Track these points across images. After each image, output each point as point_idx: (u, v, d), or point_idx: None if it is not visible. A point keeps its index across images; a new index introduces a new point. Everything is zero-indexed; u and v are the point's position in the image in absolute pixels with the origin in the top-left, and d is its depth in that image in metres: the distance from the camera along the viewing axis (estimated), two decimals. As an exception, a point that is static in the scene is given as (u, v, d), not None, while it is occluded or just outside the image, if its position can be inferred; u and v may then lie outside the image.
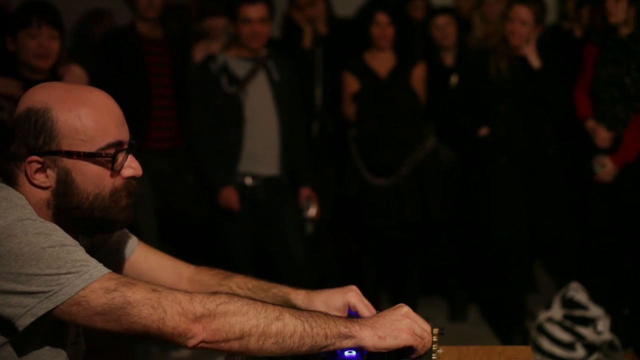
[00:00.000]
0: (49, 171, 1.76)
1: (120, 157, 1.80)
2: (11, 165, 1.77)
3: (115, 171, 1.79)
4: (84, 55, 5.29)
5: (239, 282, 2.13)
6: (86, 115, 1.75)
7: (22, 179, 1.77)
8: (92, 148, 1.76)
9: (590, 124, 4.66)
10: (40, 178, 1.76)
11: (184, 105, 4.90)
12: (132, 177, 1.84)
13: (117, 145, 1.79)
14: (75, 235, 1.76)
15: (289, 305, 2.05)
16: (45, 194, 1.77)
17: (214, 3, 5.41)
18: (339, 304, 2.03)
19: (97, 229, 1.85)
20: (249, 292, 2.10)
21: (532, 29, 4.70)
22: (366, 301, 2.02)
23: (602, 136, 4.59)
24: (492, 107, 4.86)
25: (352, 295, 2.03)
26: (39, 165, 1.75)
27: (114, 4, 6.05)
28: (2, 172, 1.80)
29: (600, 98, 4.59)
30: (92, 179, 1.77)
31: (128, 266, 2.12)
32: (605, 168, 4.57)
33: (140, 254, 2.13)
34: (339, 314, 1.94)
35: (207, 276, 2.16)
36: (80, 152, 1.75)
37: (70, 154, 1.75)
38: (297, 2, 5.56)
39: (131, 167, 1.83)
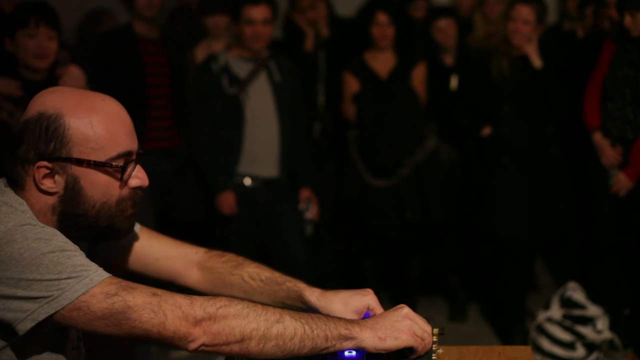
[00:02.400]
0: (57, 177, 1.75)
1: (130, 167, 1.80)
2: (18, 168, 1.76)
3: (123, 181, 1.79)
4: (86, 55, 5.29)
5: (252, 273, 2.09)
6: (98, 124, 1.75)
7: (29, 183, 1.77)
8: (102, 157, 1.75)
9: (598, 138, 4.62)
10: (47, 183, 1.75)
11: (181, 105, 4.89)
12: (139, 187, 1.84)
13: (127, 156, 1.79)
14: (75, 240, 1.75)
15: (302, 301, 2.04)
16: (52, 200, 1.77)
17: (216, 1, 5.40)
18: (359, 305, 1.99)
19: (101, 237, 1.85)
20: (262, 283, 2.07)
21: (534, 28, 4.70)
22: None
23: (609, 155, 4.57)
24: (495, 107, 4.86)
25: (371, 298, 2.00)
26: (48, 171, 1.75)
27: (114, 3, 6.05)
28: (7, 175, 1.79)
29: (611, 97, 4.57)
30: (100, 187, 1.77)
31: (132, 255, 2.10)
32: (621, 183, 4.55)
33: (144, 243, 2.11)
34: (356, 316, 1.94)
35: (218, 263, 2.12)
36: (90, 160, 1.75)
37: (80, 162, 1.74)
38: (297, 5, 5.54)
39: (138, 177, 1.83)
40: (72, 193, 1.76)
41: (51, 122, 1.73)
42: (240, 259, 2.14)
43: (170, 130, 4.95)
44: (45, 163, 1.74)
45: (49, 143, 1.73)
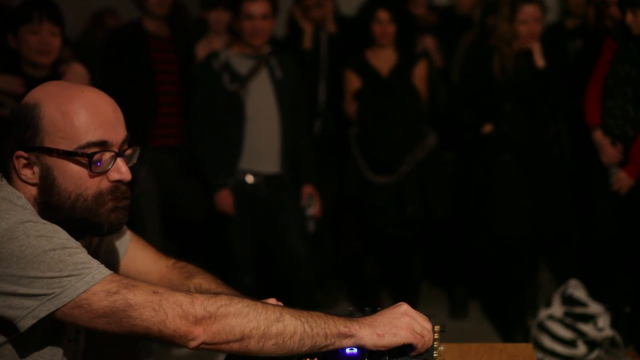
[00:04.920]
0: (35, 167, 1.76)
1: (104, 158, 1.77)
2: (7, 160, 1.78)
3: (95, 173, 1.77)
4: (90, 53, 5.29)
5: (197, 283, 2.14)
6: (70, 113, 1.74)
7: (13, 174, 1.78)
8: (71, 146, 1.74)
9: (598, 136, 4.62)
10: (27, 174, 1.76)
11: (189, 102, 4.90)
12: (120, 181, 1.81)
13: (100, 145, 1.76)
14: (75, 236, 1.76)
15: None
16: (34, 190, 1.77)
17: None
18: None
19: (84, 231, 1.82)
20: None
21: (543, 24, 4.75)
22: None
23: (609, 153, 4.57)
24: (496, 105, 4.86)
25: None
26: (25, 161, 1.76)
27: (117, 2, 6.05)
28: (3, 168, 1.80)
29: (612, 94, 4.57)
30: (72, 178, 1.76)
31: (123, 265, 2.13)
32: (621, 181, 4.55)
33: (130, 256, 2.14)
34: None
35: (175, 274, 2.17)
36: (59, 149, 1.74)
37: (50, 151, 1.74)
38: (303, 2, 5.54)
39: (119, 170, 1.80)
40: (46, 183, 1.76)
41: (29, 112, 1.74)
42: (194, 270, 2.19)
43: (178, 127, 4.95)
44: (22, 153, 1.75)
45: (26, 132, 1.74)
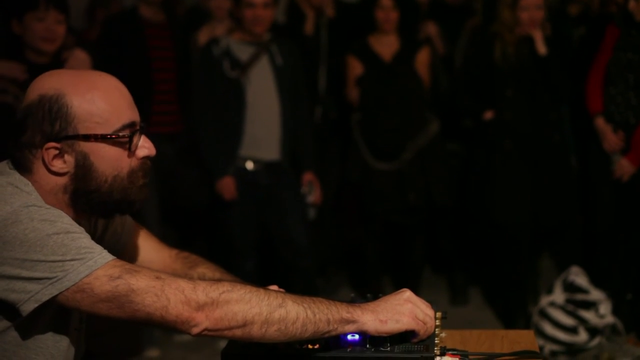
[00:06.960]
0: (66, 156, 1.76)
1: (135, 137, 1.81)
2: (25, 153, 1.77)
3: (131, 152, 1.80)
4: (93, 38, 5.29)
5: (200, 273, 2.15)
6: (100, 99, 1.76)
7: (38, 166, 1.77)
8: (108, 130, 1.76)
9: (600, 123, 4.62)
10: (58, 164, 1.76)
11: (185, 89, 4.89)
12: (147, 157, 1.85)
13: (131, 126, 1.80)
14: (80, 222, 1.76)
15: None
16: (62, 180, 1.78)
17: None
18: None
19: (115, 211, 1.87)
20: None
21: (545, 11, 4.74)
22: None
23: (611, 140, 4.57)
24: (498, 91, 4.86)
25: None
26: (57, 152, 1.75)
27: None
28: (13, 160, 1.80)
29: (614, 82, 4.57)
30: (110, 161, 1.78)
31: (128, 253, 2.13)
32: (623, 168, 4.55)
33: (134, 245, 2.15)
34: None
35: (179, 264, 2.18)
36: (97, 134, 1.76)
37: (87, 137, 1.75)
38: None
39: (145, 146, 1.84)
40: (83, 170, 1.77)
41: (53, 103, 1.74)
42: (197, 259, 2.21)
43: (174, 114, 4.94)
44: (53, 144, 1.74)
45: (54, 123, 1.74)
